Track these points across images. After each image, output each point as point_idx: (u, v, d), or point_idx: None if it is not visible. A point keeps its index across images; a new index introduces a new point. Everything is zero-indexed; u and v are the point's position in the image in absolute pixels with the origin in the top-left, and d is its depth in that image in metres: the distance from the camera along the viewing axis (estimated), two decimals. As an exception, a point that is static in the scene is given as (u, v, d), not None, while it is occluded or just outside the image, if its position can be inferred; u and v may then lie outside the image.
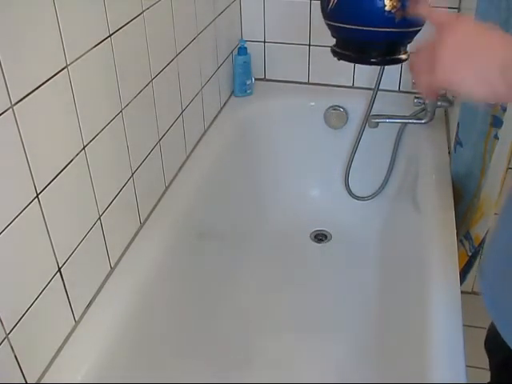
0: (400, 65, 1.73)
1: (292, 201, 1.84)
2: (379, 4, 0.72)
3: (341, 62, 1.83)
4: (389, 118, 1.66)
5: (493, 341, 0.86)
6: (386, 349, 1.34)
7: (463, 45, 0.60)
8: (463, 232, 1.38)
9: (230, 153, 1.63)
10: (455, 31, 0.61)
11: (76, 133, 0.93)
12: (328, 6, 0.72)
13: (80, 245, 0.97)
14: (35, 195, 0.84)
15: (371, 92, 1.64)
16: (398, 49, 0.77)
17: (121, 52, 1.04)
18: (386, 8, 0.71)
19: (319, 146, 1.86)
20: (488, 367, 1.01)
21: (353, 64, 1.81)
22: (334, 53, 0.77)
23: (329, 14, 0.75)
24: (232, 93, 1.81)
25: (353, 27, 0.73)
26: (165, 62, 1.26)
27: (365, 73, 1.79)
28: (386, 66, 1.57)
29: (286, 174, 1.88)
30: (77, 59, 0.90)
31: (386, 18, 0.73)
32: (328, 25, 0.81)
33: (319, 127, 1.83)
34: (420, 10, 0.68)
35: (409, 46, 0.82)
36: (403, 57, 0.77)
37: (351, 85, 1.85)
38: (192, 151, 1.51)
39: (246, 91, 1.79)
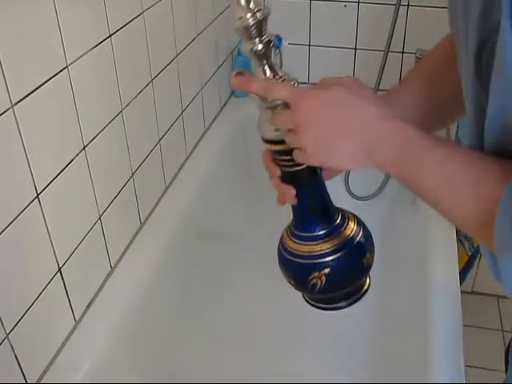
0: (400, 65, 1.74)
1: (292, 201, 1.84)
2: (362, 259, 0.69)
3: (341, 62, 1.84)
4: (389, 118, 1.65)
5: None
6: (385, 348, 1.34)
7: (321, 130, 0.56)
8: (463, 232, 1.38)
9: (230, 153, 1.63)
10: (308, 113, 0.56)
11: (76, 133, 0.93)
12: (316, 288, 0.66)
13: (80, 245, 0.97)
14: (35, 195, 0.84)
15: (371, 92, 1.64)
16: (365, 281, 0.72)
17: (121, 52, 1.04)
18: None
19: (319, 145, 1.86)
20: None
21: (353, 64, 1.82)
22: (307, 302, 0.75)
23: (318, 293, 0.68)
24: (232, 93, 1.81)
25: (342, 291, 0.69)
26: (165, 62, 1.26)
27: (365, 73, 1.79)
28: (386, 65, 1.57)
29: (286, 173, 1.88)
30: (77, 59, 0.90)
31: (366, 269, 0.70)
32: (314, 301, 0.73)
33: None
34: (253, 86, 0.60)
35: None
36: (366, 285, 0.72)
37: (351, 85, 1.85)
38: (192, 151, 1.51)
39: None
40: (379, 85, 1.61)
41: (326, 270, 0.65)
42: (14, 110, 0.76)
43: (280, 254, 0.71)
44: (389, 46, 1.55)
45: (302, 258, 0.67)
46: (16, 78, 0.76)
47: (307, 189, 0.66)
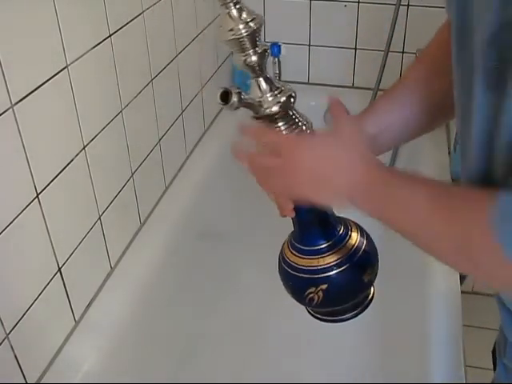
0: (400, 65, 1.74)
1: (292, 201, 1.83)
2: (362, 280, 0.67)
3: (341, 62, 1.84)
4: (389, 118, 1.65)
5: None
6: (385, 348, 1.34)
7: (312, 169, 0.59)
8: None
9: (229, 153, 1.62)
10: (303, 154, 0.59)
11: (76, 133, 0.93)
12: (313, 302, 0.63)
13: (80, 245, 0.97)
14: (35, 195, 0.84)
15: (371, 92, 1.64)
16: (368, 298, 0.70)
17: (121, 52, 1.04)
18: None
19: (319, 145, 1.86)
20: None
21: (353, 64, 1.81)
22: (309, 313, 0.73)
23: (316, 308, 0.67)
24: (232, 93, 1.81)
25: (343, 306, 0.67)
26: (165, 62, 1.26)
27: (365, 73, 1.79)
28: (386, 65, 1.57)
29: (286, 173, 1.88)
30: (77, 59, 0.90)
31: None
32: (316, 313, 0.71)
33: (319, 127, 1.83)
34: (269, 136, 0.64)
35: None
36: (371, 294, 0.70)
37: (351, 85, 1.85)
38: (192, 151, 1.51)
39: (246, 91, 1.79)
40: (379, 85, 1.61)
41: (323, 286, 0.63)
42: (13, 110, 0.76)
43: (279, 265, 0.69)
44: (389, 45, 1.55)
45: (300, 271, 0.64)
46: (16, 78, 0.76)
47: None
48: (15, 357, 0.82)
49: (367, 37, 1.74)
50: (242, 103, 0.58)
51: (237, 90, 0.57)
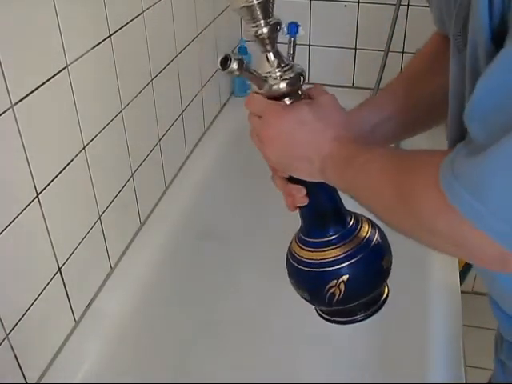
0: (400, 65, 1.74)
1: (292, 201, 1.83)
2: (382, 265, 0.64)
3: (341, 62, 1.84)
4: (389, 118, 1.65)
5: None
6: (385, 348, 1.34)
7: (285, 139, 0.59)
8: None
9: (229, 153, 1.63)
10: (278, 122, 0.59)
11: (76, 133, 0.93)
12: (334, 298, 0.60)
13: (80, 245, 0.97)
14: (35, 195, 0.84)
15: (371, 92, 1.64)
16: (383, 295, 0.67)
17: (121, 52, 1.04)
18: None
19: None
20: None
21: (353, 64, 1.81)
22: (322, 317, 0.67)
23: (337, 305, 0.62)
24: (232, 93, 1.81)
25: (362, 300, 0.63)
26: (165, 62, 1.26)
27: (365, 73, 1.79)
28: (386, 65, 1.57)
29: (286, 173, 1.87)
30: (77, 59, 0.90)
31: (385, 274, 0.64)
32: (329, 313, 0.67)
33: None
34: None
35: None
36: (385, 293, 0.67)
37: (351, 85, 1.85)
38: (192, 151, 1.51)
39: (245, 91, 1.79)
40: (379, 85, 1.61)
41: (345, 277, 0.59)
42: (13, 110, 0.76)
43: (290, 266, 0.65)
44: (389, 45, 1.55)
45: (317, 266, 0.61)
46: (16, 78, 0.76)
47: (317, 187, 0.61)
48: (15, 357, 0.82)
49: (367, 37, 1.74)
50: (243, 72, 0.56)
51: (238, 57, 0.55)
